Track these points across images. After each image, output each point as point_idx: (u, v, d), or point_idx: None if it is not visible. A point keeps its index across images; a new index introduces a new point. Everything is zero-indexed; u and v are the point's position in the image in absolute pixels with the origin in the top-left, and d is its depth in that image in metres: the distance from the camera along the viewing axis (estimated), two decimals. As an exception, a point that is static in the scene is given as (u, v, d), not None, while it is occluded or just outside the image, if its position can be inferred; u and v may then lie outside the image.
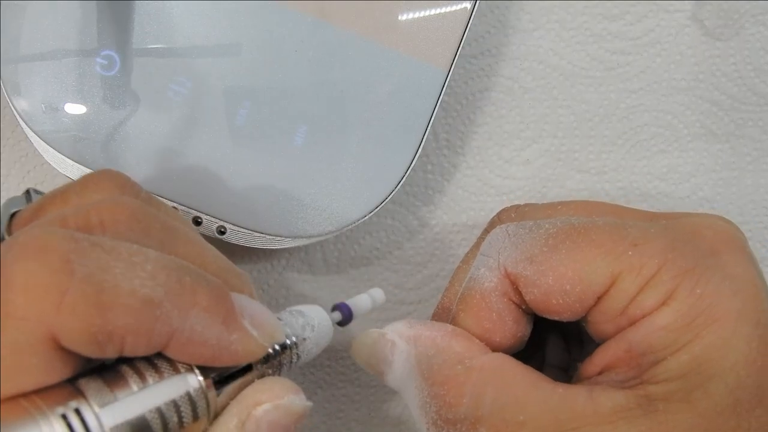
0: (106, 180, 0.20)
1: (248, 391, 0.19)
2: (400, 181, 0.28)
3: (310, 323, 0.22)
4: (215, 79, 0.27)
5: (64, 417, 0.16)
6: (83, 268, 0.16)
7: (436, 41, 0.28)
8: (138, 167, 0.27)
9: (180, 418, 0.18)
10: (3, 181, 0.30)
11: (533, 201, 0.32)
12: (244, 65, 0.28)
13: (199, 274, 0.18)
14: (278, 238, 0.28)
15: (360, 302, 0.24)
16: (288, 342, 0.21)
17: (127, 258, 0.17)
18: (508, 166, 0.32)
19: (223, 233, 0.27)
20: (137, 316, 0.17)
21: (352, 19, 0.28)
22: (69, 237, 0.17)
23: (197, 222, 0.27)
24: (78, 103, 0.27)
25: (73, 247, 0.16)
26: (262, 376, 0.20)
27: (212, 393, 0.18)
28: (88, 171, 0.27)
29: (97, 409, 0.16)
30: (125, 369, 0.18)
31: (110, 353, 0.17)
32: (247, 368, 0.19)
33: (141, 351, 0.17)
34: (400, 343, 0.23)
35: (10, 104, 0.27)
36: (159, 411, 0.17)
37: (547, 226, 0.23)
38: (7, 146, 0.30)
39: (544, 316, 0.23)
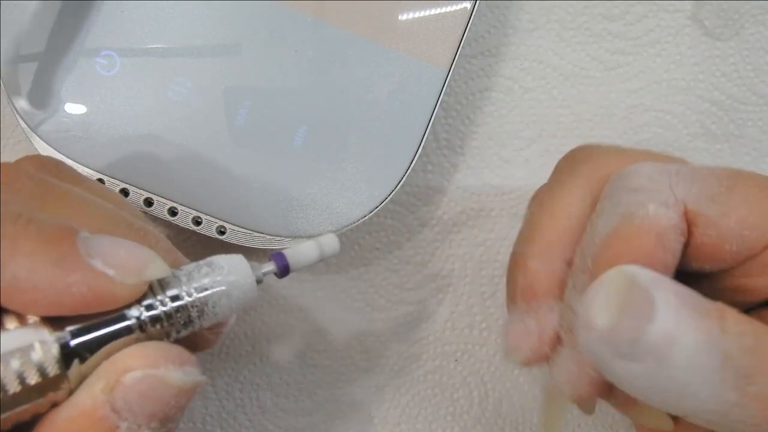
0: (24, 159, 0.21)
1: (122, 353, 0.17)
2: (400, 181, 0.28)
3: (217, 271, 0.19)
4: (215, 79, 0.27)
5: None
6: None
7: (436, 41, 0.28)
8: (138, 167, 0.27)
9: (21, 375, 0.16)
10: (3, 181, 0.30)
11: (533, 201, 0.32)
12: (244, 65, 0.28)
13: (30, 220, 0.17)
14: (278, 238, 0.28)
15: (302, 251, 0.21)
16: (182, 295, 0.18)
17: None
18: (508, 166, 0.32)
19: (223, 233, 0.27)
20: None
21: (352, 19, 0.28)
22: None
23: (197, 222, 0.27)
24: (78, 103, 0.27)
25: None
26: (153, 338, 0.18)
27: (73, 354, 0.17)
28: (88, 171, 0.27)
29: None
30: None
31: None
32: (124, 325, 0.17)
33: None
34: (662, 294, 0.19)
35: (10, 104, 0.27)
36: None
37: (711, 167, 0.21)
38: (7, 146, 0.30)
39: (693, 265, 0.21)
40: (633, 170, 0.21)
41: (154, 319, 0.18)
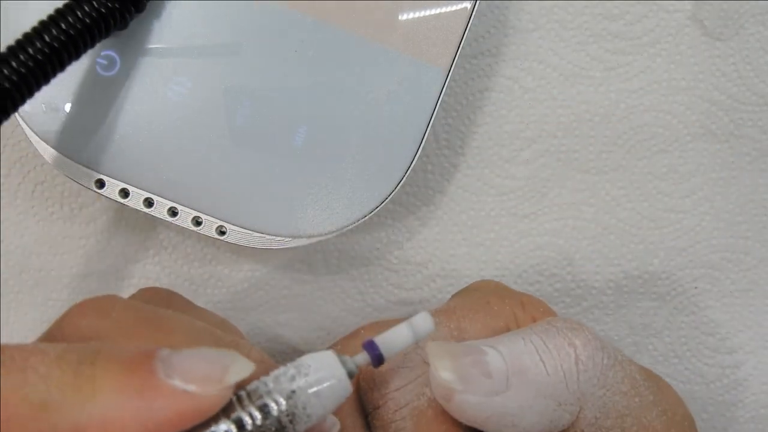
0: (138, 292, 0.23)
1: None
2: (400, 181, 0.28)
3: (303, 372, 0.18)
4: (215, 79, 0.27)
5: None
6: None
7: (436, 41, 0.28)
8: (138, 167, 0.27)
9: None
10: (3, 181, 0.30)
11: (533, 201, 0.32)
12: (244, 65, 0.28)
13: (105, 354, 0.17)
14: (278, 238, 0.28)
15: (395, 336, 0.20)
16: (270, 404, 0.17)
17: (21, 363, 0.17)
18: (509, 166, 0.32)
19: (223, 233, 0.27)
20: (30, 425, 0.16)
21: (352, 19, 0.28)
22: None
23: (197, 222, 0.27)
24: (78, 103, 0.27)
25: None
26: None
27: None
28: (88, 171, 0.27)
29: None
30: None
31: None
32: None
33: None
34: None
35: (10, 104, 0.27)
36: None
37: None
38: (8, 146, 0.30)
39: None
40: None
41: None
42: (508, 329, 0.23)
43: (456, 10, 0.28)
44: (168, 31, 0.27)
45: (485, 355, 0.21)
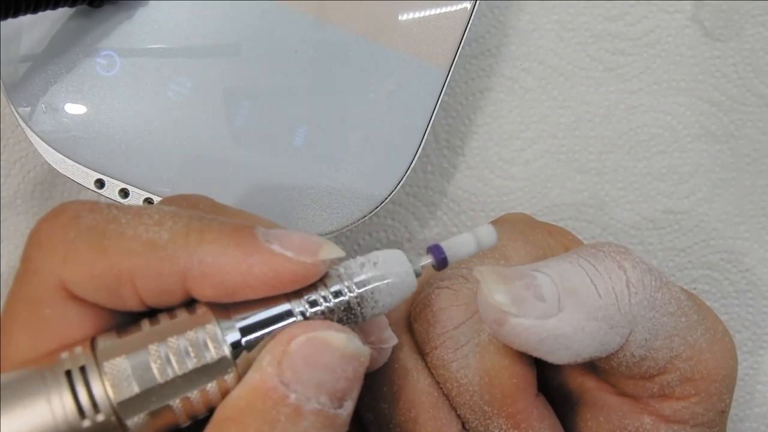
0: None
1: (284, 329, 0.18)
2: (400, 181, 0.28)
3: (372, 261, 0.19)
4: (215, 79, 0.27)
5: (68, 372, 0.17)
6: (89, 220, 0.18)
7: (436, 41, 0.28)
8: (137, 167, 0.27)
9: (189, 356, 0.17)
10: (3, 181, 0.30)
11: (533, 202, 0.32)
12: (244, 65, 0.28)
13: (212, 218, 0.18)
14: (278, 239, 0.28)
15: (459, 243, 0.20)
16: (344, 290, 0.18)
17: (137, 211, 0.18)
18: (509, 166, 0.32)
19: (223, 233, 0.27)
20: (141, 258, 0.17)
21: (352, 19, 0.28)
22: (86, 202, 0.18)
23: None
24: (78, 103, 0.27)
25: (87, 207, 0.18)
26: None
27: (232, 336, 0.17)
28: (88, 171, 0.27)
29: (99, 357, 0.17)
30: (143, 319, 0.18)
31: (128, 300, 0.17)
32: (286, 314, 0.18)
33: (157, 294, 0.17)
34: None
35: (10, 104, 0.27)
36: (159, 350, 0.17)
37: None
38: (8, 146, 0.30)
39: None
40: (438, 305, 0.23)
41: (317, 312, 0.18)
42: (545, 257, 0.23)
43: (456, 11, 0.28)
44: (168, 31, 0.27)
45: (536, 279, 0.21)
